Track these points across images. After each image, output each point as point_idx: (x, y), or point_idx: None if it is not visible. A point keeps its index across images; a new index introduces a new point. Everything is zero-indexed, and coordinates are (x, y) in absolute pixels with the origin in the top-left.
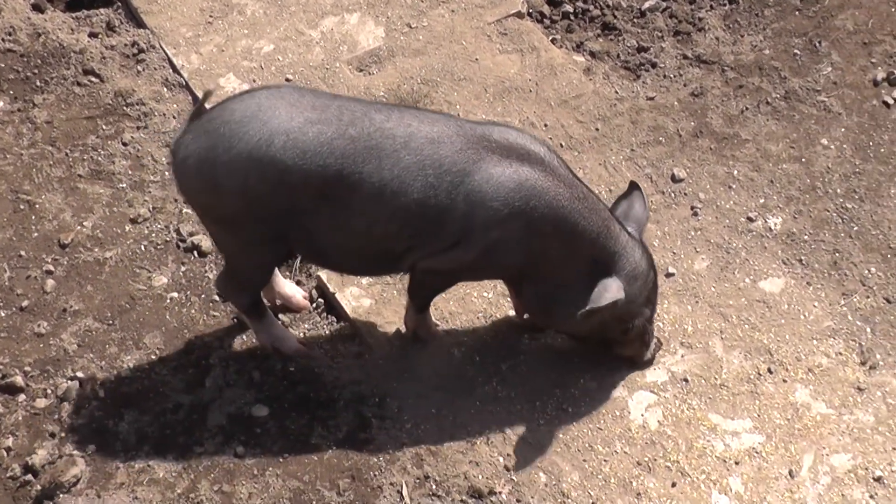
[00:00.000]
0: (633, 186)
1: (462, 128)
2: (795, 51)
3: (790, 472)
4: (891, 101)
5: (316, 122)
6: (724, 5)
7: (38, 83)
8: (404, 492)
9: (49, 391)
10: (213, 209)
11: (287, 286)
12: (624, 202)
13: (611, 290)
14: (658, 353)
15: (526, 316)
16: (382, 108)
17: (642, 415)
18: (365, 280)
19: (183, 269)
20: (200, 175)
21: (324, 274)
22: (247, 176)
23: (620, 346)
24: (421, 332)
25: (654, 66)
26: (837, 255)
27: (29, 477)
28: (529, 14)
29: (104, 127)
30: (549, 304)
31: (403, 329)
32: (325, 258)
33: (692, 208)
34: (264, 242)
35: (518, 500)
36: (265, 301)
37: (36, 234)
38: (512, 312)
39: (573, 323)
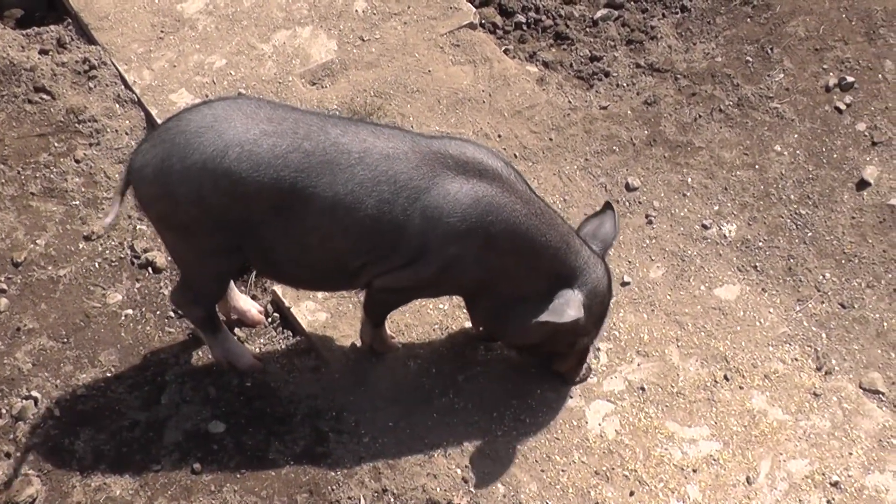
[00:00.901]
0: (607, 206)
1: (418, 143)
2: (748, 58)
3: (748, 479)
4: (843, 107)
5: (271, 135)
6: (677, 13)
7: None
8: None
9: (4, 411)
10: (168, 218)
11: (242, 300)
12: (595, 220)
13: (572, 307)
14: (587, 378)
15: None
16: (339, 122)
17: (600, 424)
18: (320, 294)
19: (137, 285)
20: (156, 184)
21: (279, 288)
22: (201, 186)
23: (560, 360)
24: (377, 346)
25: (607, 75)
26: (792, 261)
27: None
28: (482, 25)
29: (56, 144)
30: (503, 317)
31: (359, 343)
32: (280, 272)
33: (647, 216)
34: (219, 253)
35: None
36: (220, 315)
37: None
38: (468, 324)
39: (524, 334)
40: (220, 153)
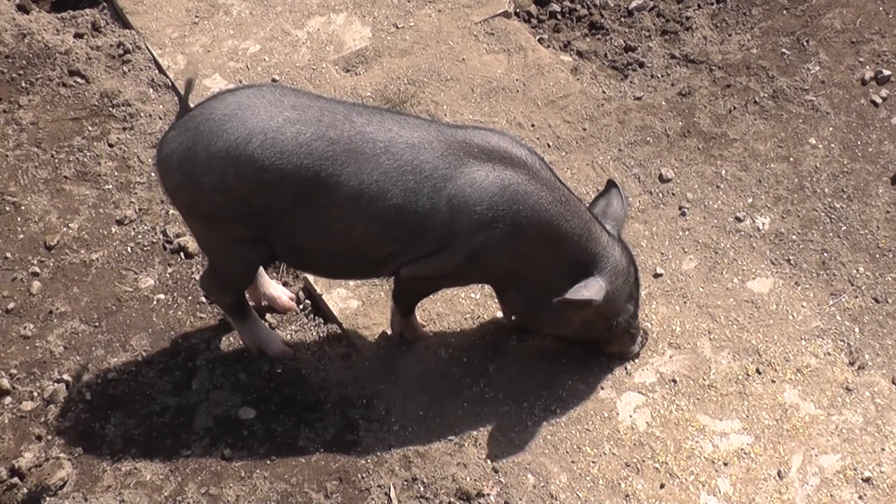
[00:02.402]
0: (611, 184)
1: (443, 133)
2: (783, 50)
3: (779, 473)
4: (878, 101)
5: (295, 123)
6: (712, 4)
7: (23, 84)
8: (392, 494)
9: (35, 394)
10: (193, 206)
11: (273, 287)
12: (602, 200)
13: (590, 289)
14: (645, 344)
15: (513, 317)
16: (364, 111)
17: (631, 416)
18: (352, 282)
19: (169, 270)
20: (181, 172)
21: (311, 275)
22: (225, 174)
23: (607, 343)
24: (407, 335)
25: (641, 65)
26: (826, 254)
27: (15, 480)
28: (516, 14)
29: (90, 128)
30: (534, 306)
31: (390, 331)
32: (305, 262)
33: (680, 208)
34: (244, 242)
35: (506, 502)
36: (251, 302)
37: (21, 236)
38: (499, 314)
39: (557, 322)
40: (243, 141)
